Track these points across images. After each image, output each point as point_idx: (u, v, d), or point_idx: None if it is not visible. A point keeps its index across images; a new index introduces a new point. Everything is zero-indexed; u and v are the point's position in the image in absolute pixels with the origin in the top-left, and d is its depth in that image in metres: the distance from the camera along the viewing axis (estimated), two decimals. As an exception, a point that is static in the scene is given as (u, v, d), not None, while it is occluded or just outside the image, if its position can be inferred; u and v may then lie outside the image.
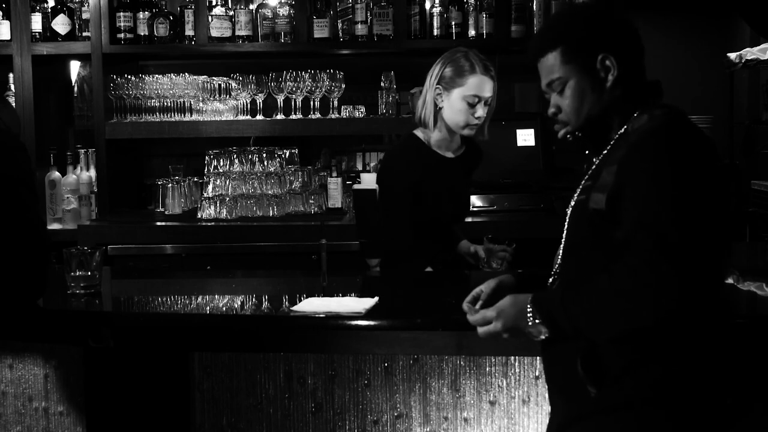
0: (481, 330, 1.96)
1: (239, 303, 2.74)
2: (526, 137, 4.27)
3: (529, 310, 1.86)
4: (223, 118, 4.38)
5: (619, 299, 1.73)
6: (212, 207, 4.14)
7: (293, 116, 4.36)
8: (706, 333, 1.81)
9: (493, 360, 2.36)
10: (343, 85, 4.29)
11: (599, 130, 1.93)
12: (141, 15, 4.32)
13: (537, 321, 1.85)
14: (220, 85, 4.38)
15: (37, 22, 4.32)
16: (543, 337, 1.86)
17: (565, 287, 1.89)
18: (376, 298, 2.40)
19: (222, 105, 4.40)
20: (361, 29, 4.29)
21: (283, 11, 4.31)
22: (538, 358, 2.04)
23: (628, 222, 1.77)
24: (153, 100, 4.37)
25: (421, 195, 3.16)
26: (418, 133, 3.23)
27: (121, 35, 4.32)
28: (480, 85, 3.10)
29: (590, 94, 1.91)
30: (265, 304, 2.74)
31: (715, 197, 1.76)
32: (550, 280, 2.00)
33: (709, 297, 1.75)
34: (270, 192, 4.18)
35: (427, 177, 3.16)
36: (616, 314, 1.75)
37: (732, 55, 5.50)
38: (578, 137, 1.95)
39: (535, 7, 4.28)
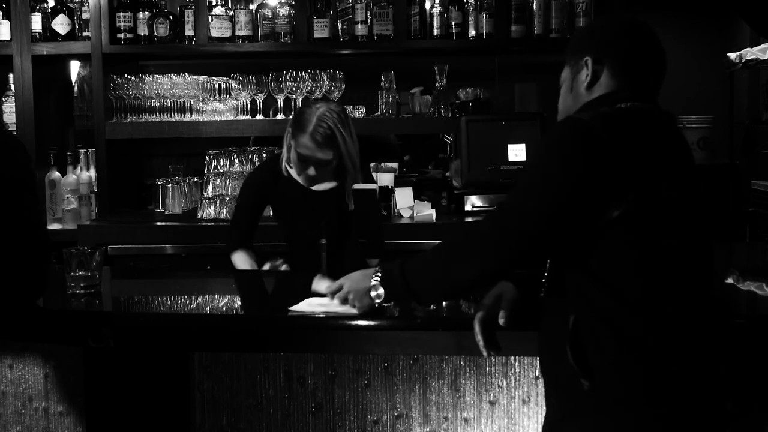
0: (331, 295, 2.17)
1: (239, 303, 2.74)
2: (524, 139, 4.26)
3: (375, 272, 2.01)
4: (223, 118, 4.38)
5: (449, 254, 1.86)
6: (212, 207, 4.14)
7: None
8: (704, 332, 1.81)
9: (493, 360, 2.36)
10: (343, 85, 4.30)
11: None
12: (141, 15, 4.32)
13: (377, 281, 1.99)
14: (220, 85, 4.39)
15: (37, 22, 4.32)
16: (381, 294, 1.99)
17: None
18: (376, 298, 2.40)
19: (222, 105, 4.40)
20: (361, 29, 4.29)
21: (283, 11, 4.31)
22: (538, 358, 2.04)
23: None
24: (153, 100, 4.37)
25: (275, 211, 3.33)
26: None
27: (121, 35, 4.32)
28: (307, 145, 3.08)
29: (569, 94, 1.99)
30: (265, 304, 2.74)
31: (560, 183, 1.77)
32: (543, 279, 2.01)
33: (699, 295, 1.78)
34: (270, 192, 4.18)
35: (278, 200, 3.28)
36: (440, 268, 1.87)
37: (732, 55, 5.50)
38: None
39: (535, 7, 4.28)
